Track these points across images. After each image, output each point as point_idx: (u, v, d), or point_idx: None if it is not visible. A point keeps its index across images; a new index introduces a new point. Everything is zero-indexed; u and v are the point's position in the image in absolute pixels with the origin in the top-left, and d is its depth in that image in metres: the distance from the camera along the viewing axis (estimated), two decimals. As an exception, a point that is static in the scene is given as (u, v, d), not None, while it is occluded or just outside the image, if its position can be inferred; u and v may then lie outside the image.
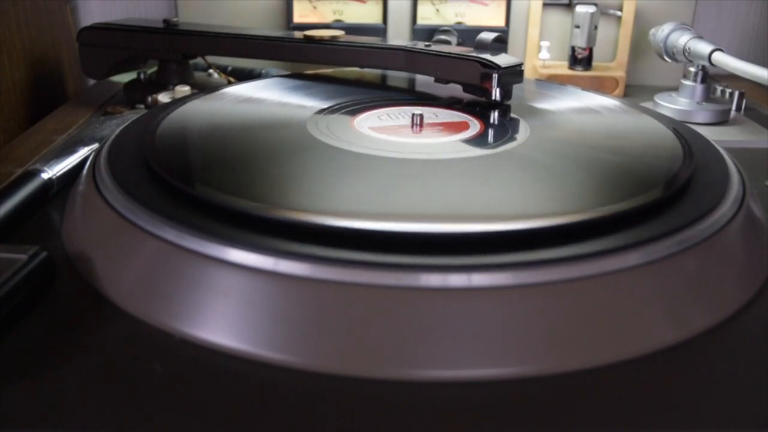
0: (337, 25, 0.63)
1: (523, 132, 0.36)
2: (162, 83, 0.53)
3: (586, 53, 0.62)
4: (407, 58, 0.45)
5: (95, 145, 0.38)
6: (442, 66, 0.43)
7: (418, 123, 0.37)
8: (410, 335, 0.22)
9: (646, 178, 0.30)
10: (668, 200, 0.28)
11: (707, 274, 0.26)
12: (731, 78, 0.55)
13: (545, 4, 0.64)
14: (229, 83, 0.52)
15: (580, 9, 0.61)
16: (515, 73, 0.41)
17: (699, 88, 0.53)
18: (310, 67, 0.52)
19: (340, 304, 0.23)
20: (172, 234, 0.25)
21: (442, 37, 0.61)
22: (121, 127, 0.37)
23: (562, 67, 0.64)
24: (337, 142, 0.34)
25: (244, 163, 0.32)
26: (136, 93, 0.53)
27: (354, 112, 0.39)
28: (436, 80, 0.43)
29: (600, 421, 0.21)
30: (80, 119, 0.53)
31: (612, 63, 0.65)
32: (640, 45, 0.65)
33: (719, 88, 0.58)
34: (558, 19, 0.65)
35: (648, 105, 0.53)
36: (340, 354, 0.22)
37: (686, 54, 0.53)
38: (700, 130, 0.40)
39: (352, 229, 0.25)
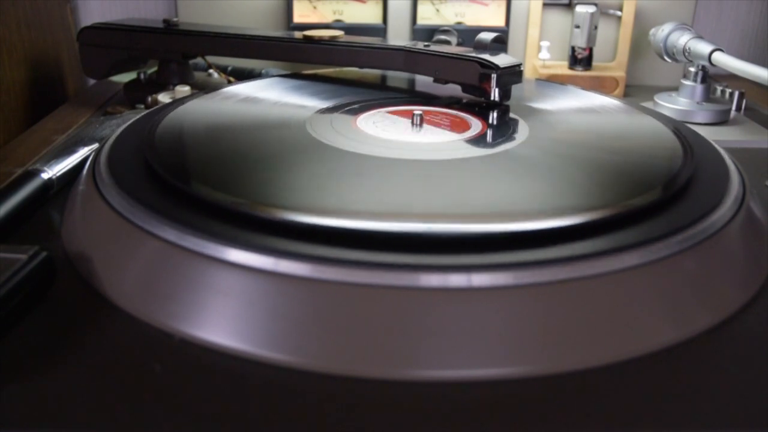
0: (337, 25, 0.63)
1: (523, 132, 0.36)
2: (162, 83, 0.53)
3: (586, 53, 0.62)
4: (406, 59, 0.45)
5: (95, 145, 0.38)
6: (441, 66, 0.43)
7: (417, 123, 0.37)
8: (410, 335, 0.22)
9: (646, 178, 0.30)
10: (668, 200, 0.28)
11: (707, 274, 0.26)
12: (731, 78, 0.55)
13: (545, 4, 0.64)
14: (229, 83, 0.52)
15: (580, 9, 0.61)
16: (514, 73, 0.41)
17: (699, 88, 0.53)
18: (310, 67, 0.52)
19: (340, 304, 0.23)
20: (172, 234, 0.25)
21: (442, 37, 0.61)
22: (121, 127, 0.37)
23: (562, 67, 0.64)
24: (337, 142, 0.34)
25: (244, 163, 0.32)
26: (136, 93, 0.53)
27: (353, 112, 0.39)
28: (435, 80, 0.43)
29: (599, 421, 0.21)
30: (80, 119, 0.53)
31: (612, 63, 0.65)
32: (640, 45, 0.65)
33: (719, 88, 0.58)
34: (558, 19, 0.65)
35: (648, 105, 0.53)
36: (340, 354, 0.22)
37: (686, 54, 0.53)
38: (700, 130, 0.40)
39: (352, 229, 0.25)
